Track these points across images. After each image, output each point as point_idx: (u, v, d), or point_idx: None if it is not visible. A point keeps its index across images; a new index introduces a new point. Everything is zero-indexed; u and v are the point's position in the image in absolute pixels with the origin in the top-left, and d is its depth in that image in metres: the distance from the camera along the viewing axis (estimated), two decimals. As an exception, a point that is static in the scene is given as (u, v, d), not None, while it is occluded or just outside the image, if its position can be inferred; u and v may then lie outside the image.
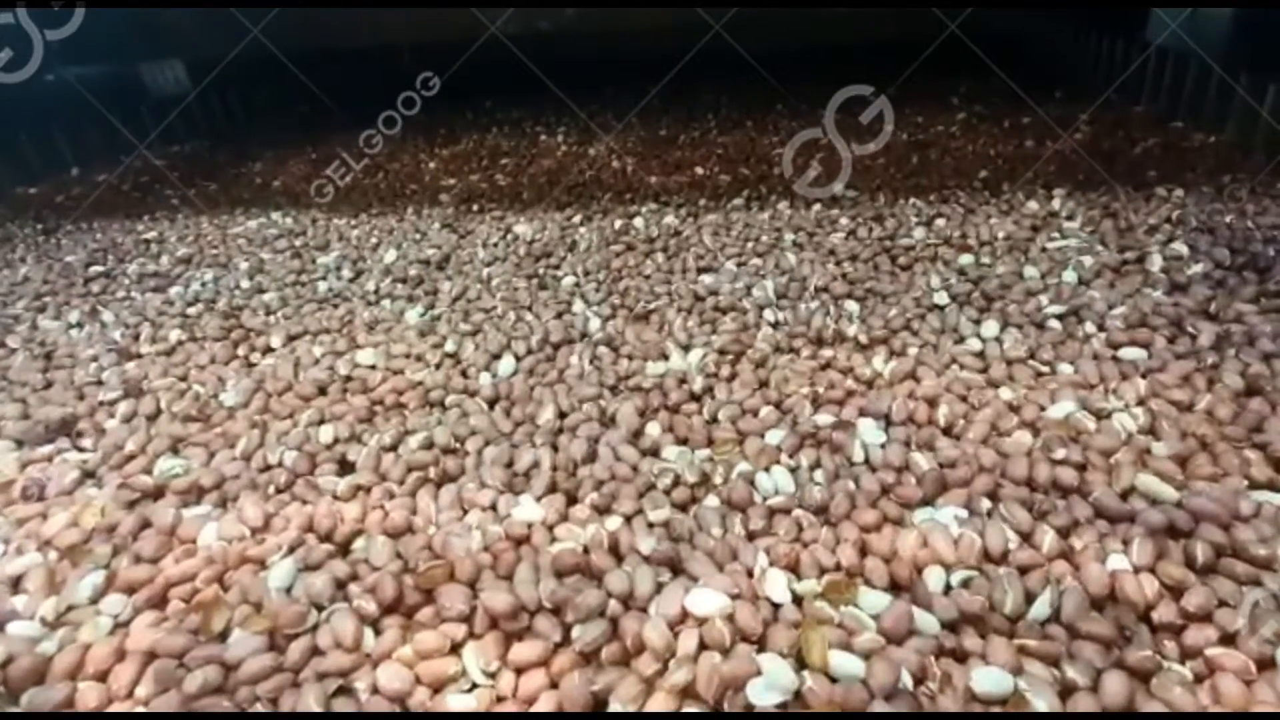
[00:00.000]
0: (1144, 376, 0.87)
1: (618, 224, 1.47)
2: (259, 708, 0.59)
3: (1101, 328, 0.98)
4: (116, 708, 0.60)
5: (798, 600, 0.62)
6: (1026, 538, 0.66)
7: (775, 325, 1.07)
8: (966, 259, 1.20)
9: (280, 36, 1.91)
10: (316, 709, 0.57)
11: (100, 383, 1.04)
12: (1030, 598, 0.61)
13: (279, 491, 0.81)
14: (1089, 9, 2.28)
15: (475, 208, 1.64)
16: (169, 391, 1.00)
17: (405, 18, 2.09)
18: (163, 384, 1.02)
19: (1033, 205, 1.39)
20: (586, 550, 0.68)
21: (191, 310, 1.23)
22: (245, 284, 1.32)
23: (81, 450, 0.91)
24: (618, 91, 2.49)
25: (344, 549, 0.72)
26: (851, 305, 1.10)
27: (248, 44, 1.88)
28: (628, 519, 0.72)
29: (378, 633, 0.63)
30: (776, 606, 0.61)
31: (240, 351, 1.10)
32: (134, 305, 1.28)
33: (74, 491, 0.84)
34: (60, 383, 1.04)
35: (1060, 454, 0.74)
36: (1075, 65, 2.33)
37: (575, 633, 0.61)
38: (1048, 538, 0.65)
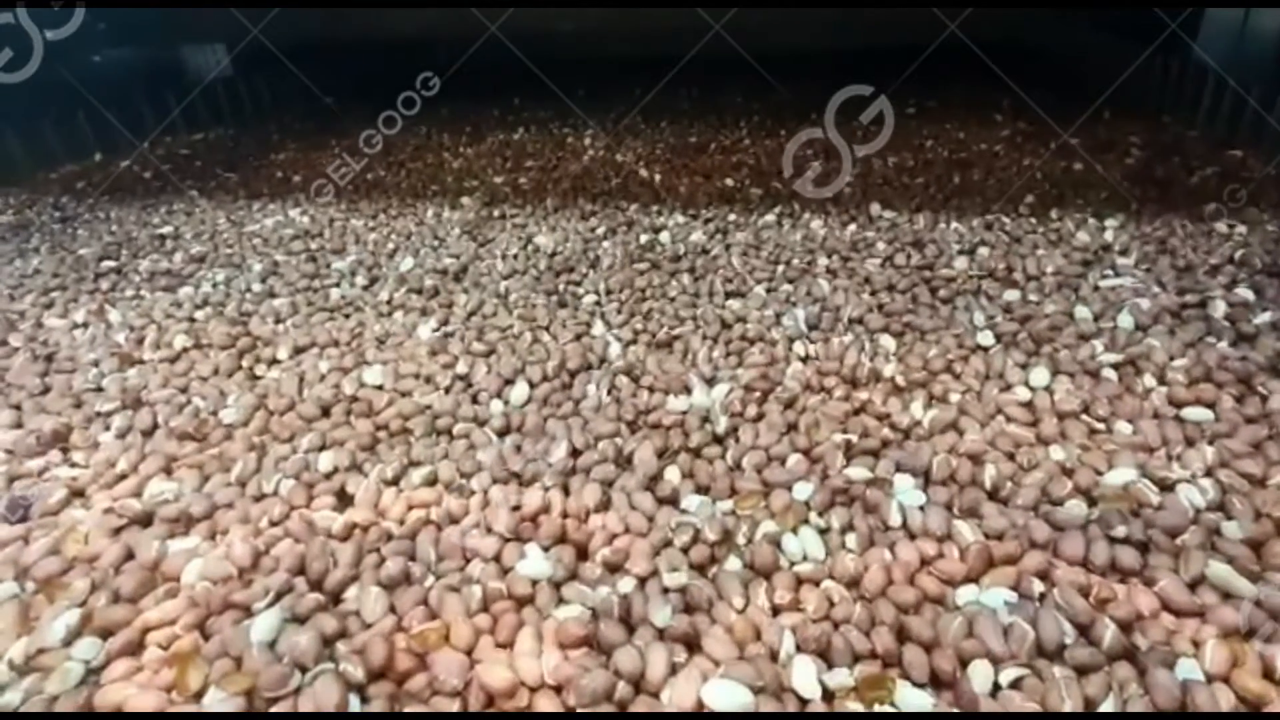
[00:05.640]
0: (1210, 442, 0.79)
1: (643, 239, 1.41)
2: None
3: (1162, 381, 0.90)
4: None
5: (828, 695, 0.56)
6: (1084, 631, 0.60)
7: (805, 360, 1.01)
8: (1013, 294, 1.13)
9: (299, 29, 1.87)
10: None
11: (99, 389, 1.00)
12: (1090, 704, 0.54)
13: (272, 525, 0.76)
14: (1133, 22, 2.18)
15: (497, 213, 1.59)
16: (168, 405, 0.95)
17: (437, 12, 2.05)
18: (162, 395, 0.97)
19: (1083, 236, 1.31)
20: (595, 617, 0.63)
21: (200, 314, 1.19)
22: (257, 287, 1.28)
23: (72, 465, 0.87)
24: (646, 94, 2.43)
25: (335, 598, 0.67)
26: (888, 341, 1.03)
27: (264, 36, 1.85)
28: (641, 581, 0.66)
29: (364, 700, 0.58)
30: (805, 702, 0.55)
31: (245, 363, 1.05)
32: (142, 306, 1.24)
33: (59, 512, 0.79)
34: (58, 388, 1.00)
35: (1120, 531, 0.67)
36: (1125, 82, 2.23)
37: (579, 716, 0.55)
38: (1109, 633, 0.58)
